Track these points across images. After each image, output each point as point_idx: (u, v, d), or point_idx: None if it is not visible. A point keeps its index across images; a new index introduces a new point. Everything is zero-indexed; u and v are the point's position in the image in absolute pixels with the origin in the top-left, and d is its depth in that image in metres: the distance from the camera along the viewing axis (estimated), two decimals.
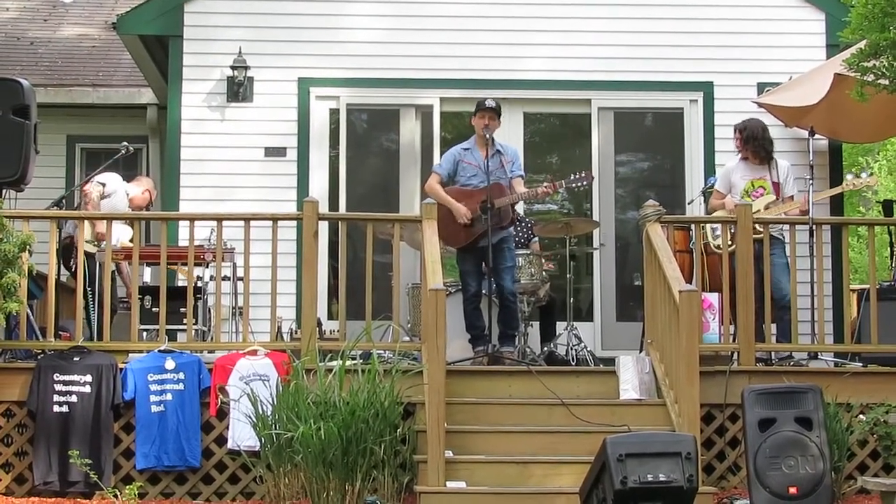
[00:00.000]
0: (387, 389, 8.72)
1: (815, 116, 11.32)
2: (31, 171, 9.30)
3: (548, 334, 11.45)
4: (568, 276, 11.21)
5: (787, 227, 10.69)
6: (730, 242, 10.07)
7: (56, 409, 9.14)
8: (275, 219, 9.96)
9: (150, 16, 12.30)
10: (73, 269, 10.09)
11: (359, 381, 8.76)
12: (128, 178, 11.48)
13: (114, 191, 10.91)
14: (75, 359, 9.27)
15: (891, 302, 10.10)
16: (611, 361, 9.90)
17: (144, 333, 10.14)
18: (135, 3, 12.81)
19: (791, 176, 10.98)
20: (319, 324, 10.32)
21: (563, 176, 10.56)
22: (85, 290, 9.92)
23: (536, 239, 11.60)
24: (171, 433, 9.15)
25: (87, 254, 10.01)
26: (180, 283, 11.07)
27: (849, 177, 11.24)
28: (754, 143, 10.88)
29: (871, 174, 11.42)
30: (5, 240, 8.99)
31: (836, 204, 12.14)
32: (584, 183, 10.45)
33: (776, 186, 10.86)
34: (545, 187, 10.34)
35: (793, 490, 8.29)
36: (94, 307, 9.94)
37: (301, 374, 8.88)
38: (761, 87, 12.24)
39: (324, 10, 12.46)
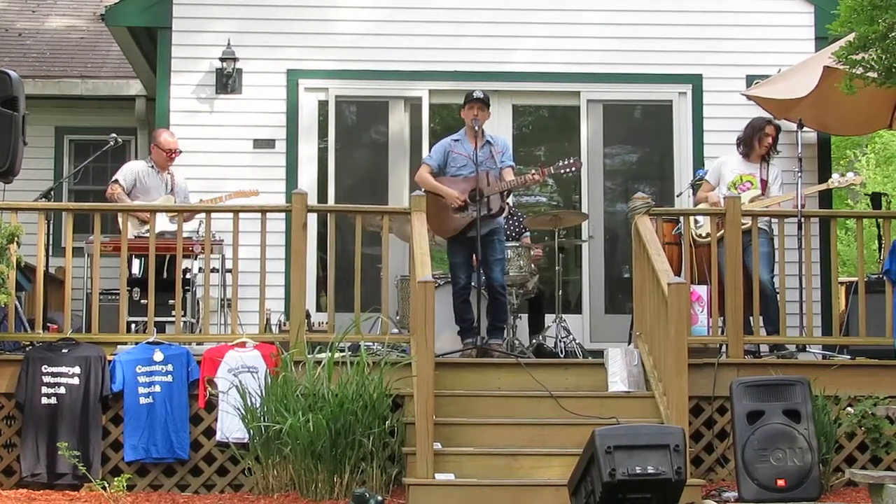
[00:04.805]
0: (375, 382, 8.72)
1: (804, 109, 11.34)
2: (20, 163, 9.28)
3: (536, 327, 11.47)
4: (557, 268, 11.23)
5: (773, 218, 10.71)
6: (714, 232, 10.10)
7: (44, 400, 9.13)
8: (263, 211, 9.96)
9: (138, 7, 12.26)
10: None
11: (347, 373, 8.77)
12: (114, 170, 11.47)
13: (134, 177, 10.99)
14: (63, 350, 9.26)
15: (879, 294, 10.11)
16: (599, 354, 9.91)
17: (133, 325, 10.13)
18: None
19: (780, 179, 11.01)
20: (308, 316, 10.32)
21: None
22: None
23: (528, 233, 11.60)
24: (159, 425, 9.15)
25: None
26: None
27: (835, 175, 11.25)
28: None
29: (857, 174, 11.41)
30: None
31: (825, 196, 12.14)
32: (573, 169, 10.44)
33: (763, 183, 10.89)
34: (534, 174, 10.33)
35: (781, 482, 8.32)
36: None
37: (290, 367, 8.89)
38: (750, 80, 12.24)
39: (313, 2, 12.43)
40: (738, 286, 9.76)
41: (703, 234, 10.70)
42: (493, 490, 8.31)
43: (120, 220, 10.45)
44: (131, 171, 11.15)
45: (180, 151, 11.20)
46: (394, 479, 8.77)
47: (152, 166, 11.15)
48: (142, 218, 10.54)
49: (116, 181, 11.00)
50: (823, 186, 11.35)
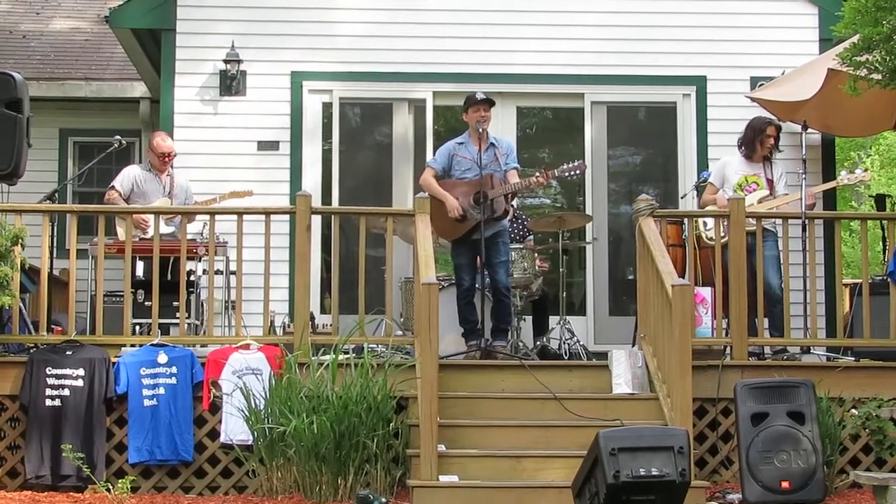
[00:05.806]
0: (380, 383, 8.72)
1: (808, 111, 11.32)
2: (24, 165, 9.29)
3: (540, 328, 11.46)
4: (561, 270, 11.22)
5: (779, 220, 10.70)
6: (722, 234, 10.08)
7: (48, 402, 9.14)
8: (267, 213, 9.95)
9: (142, 9, 12.27)
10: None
11: (351, 375, 8.77)
12: (118, 172, 11.46)
13: (131, 183, 11.00)
14: (68, 352, 9.26)
15: (883, 296, 10.11)
16: (603, 356, 9.91)
17: (137, 327, 10.13)
18: None
19: (785, 177, 11.00)
20: (312, 318, 10.31)
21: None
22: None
23: (532, 237, 11.58)
24: (163, 427, 9.15)
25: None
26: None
27: (843, 173, 11.25)
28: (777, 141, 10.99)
29: (865, 170, 11.42)
30: None
31: (829, 198, 12.15)
32: (577, 172, 10.44)
33: (770, 183, 10.87)
34: (538, 177, 10.33)
35: (785, 484, 8.31)
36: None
37: (294, 368, 8.89)
38: (754, 82, 12.25)
39: (316, 4, 12.43)
40: (742, 288, 9.75)
41: (714, 237, 10.67)
42: (497, 492, 8.31)
43: (119, 228, 10.45)
44: (128, 176, 11.12)
45: (175, 154, 11.19)
46: (398, 480, 8.77)
47: (149, 170, 11.14)
48: (138, 224, 10.51)
49: (113, 187, 11.00)
50: (833, 184, 11.35)
